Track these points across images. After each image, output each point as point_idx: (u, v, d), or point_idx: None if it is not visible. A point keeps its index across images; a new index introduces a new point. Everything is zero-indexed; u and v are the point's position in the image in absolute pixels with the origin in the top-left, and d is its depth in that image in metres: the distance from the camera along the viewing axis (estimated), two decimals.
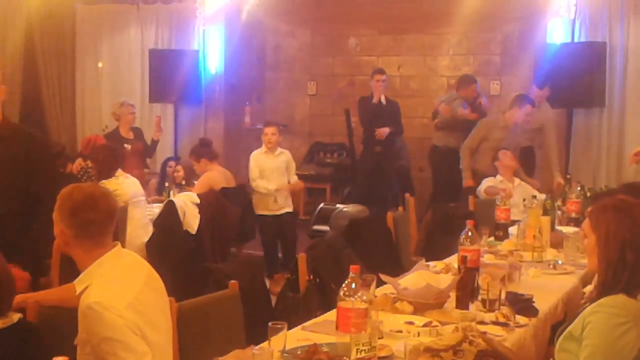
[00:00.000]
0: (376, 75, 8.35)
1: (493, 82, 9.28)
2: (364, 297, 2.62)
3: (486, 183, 6.68)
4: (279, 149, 7.21)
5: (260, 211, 7.09)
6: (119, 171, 6.03)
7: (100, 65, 9.96)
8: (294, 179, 7.30)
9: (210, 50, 9.50)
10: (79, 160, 6.96)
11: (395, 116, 8.39)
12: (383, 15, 9.67)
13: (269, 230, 7.10)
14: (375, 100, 8.29)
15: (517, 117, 7.23)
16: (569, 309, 3.69)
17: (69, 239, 2.60)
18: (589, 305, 2.58)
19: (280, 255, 7.25)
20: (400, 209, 6.17)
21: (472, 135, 7.41)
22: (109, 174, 5.93)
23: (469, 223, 3.71)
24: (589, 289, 3.27)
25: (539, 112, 7.53)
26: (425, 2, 9.38)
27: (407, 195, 6.63)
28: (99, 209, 2.60)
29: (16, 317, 2.45)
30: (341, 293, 2.64)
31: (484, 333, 2.61)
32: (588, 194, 6.30)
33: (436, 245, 5.51)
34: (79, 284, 2.59)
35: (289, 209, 7.23)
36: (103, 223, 2.62)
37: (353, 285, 2.66)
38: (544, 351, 3.30)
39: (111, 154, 6.12)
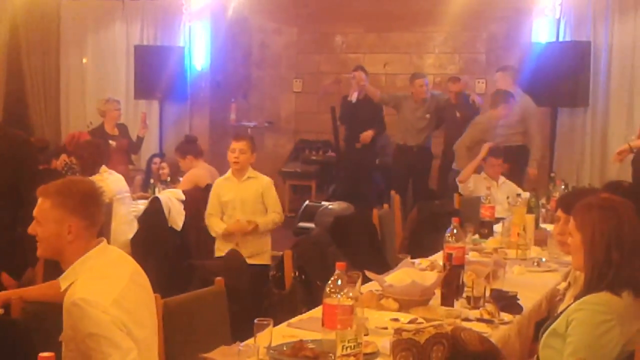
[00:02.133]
0: (355, 72, 8.40)
1: (478, 80, 9.31)
2: (350, 294, 2.62)
3: (468, 183, 6.71)
4: (250, 173, 5.35)
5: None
6: (103, 167, 6.01)
7: (84, 61, 9.92)
8: (272, 217, 5.27)
9: (196, 46, 9.49)
10: (64, 156, 6.92)
11: (374, 114, 8.43)
12: (369, 13, 9.69)
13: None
14: (350, 97, 8.34)
15: (504, 113, 7.32)
16: (553, 306, 3.71)
17: (80, 231, 2.60)
18: (561, 302, 2.60)
19: None
20: (386, 206, 6.19)
21: (469, 134, 7.40)
22: (93, 170, 5.90)
23: (454, 220, 3.71)
24: (563, 285, 3.29)
25: (518, 104, 7.63)
26: (411, 0, 9.41)
27: (392, 192, 6.64)
28: (101, 200, 2.71)
29: None
30: (327, 290, 2.64)
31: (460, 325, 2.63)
32: None
33: (421, 242, 5.52)
34: (64, 280, 2.59)
35: (262, 261, 5.22)
36: (102, 214, 2.71)
37: (339, 282, 2.66)
38: (528, 348, 3.32)
39: (96, 151, 6.09)
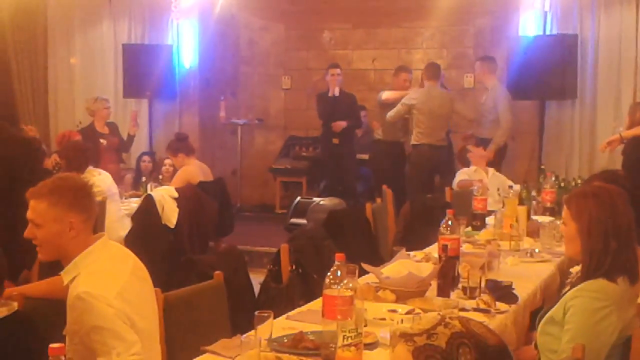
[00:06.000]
0: (331, 69, 8.44)
1: (466, 75, 9.34)
2: (350, 285, 2.64)
3: (459, 176, 6.75)
4: None
5: None
6: (89, 168, 5.98)
7: (72, 61, 9.89)
8: None
9: (185, 44, 9.47)
10: (54, 156, 6.91)
11: (352, 108, 8.45)
12: (357, 9, 9.71)
13: None
14: (330, 94, 8.36)
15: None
16: (547, 295, 3.75)
17: (80, 225, 2.60)
18: (569, 287, 2.62)
19: None
20: (378, 200, 6.22)
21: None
22: (78, 171, 5.86)
23: (449, 212, 3.74)
24: (576, 269, 3.32)
25: (490, 92, 7.78)
26: None
27: (384, 187, 6.67)
28: (92, 192, 2.71)
29: (15, 306, 2.45)
30: (327, 281, 2.66)
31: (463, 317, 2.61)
32: (562, 184, 6.39)
33: (414, 236, 5.55)
34: (66, 274, 2.59)
35: None
36: (95, 206, 2.73)
37: (338, 273, 2.68)
38: (524, 336, 3.35)
39: (81, 154, 6.03)
